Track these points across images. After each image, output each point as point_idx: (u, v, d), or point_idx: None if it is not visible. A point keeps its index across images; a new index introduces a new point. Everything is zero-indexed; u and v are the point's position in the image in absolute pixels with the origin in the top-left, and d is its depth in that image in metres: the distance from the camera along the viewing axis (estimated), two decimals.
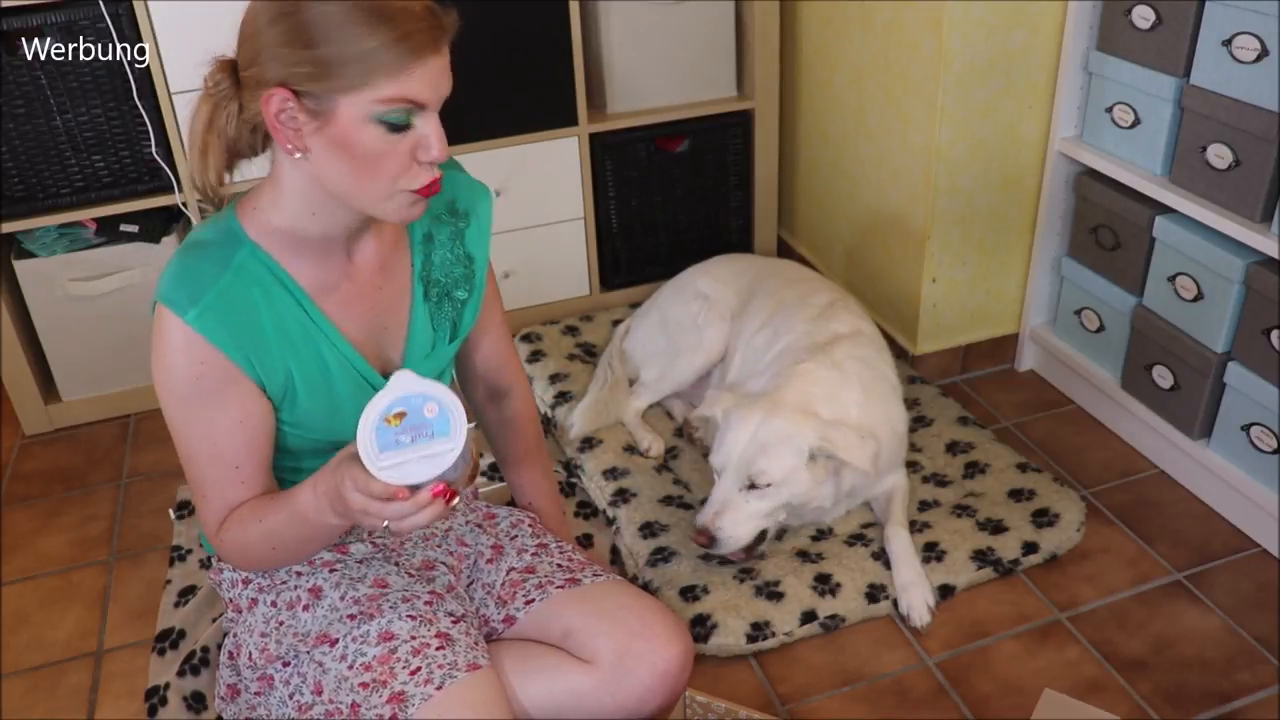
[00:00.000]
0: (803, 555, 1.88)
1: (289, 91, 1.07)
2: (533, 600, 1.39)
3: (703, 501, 2.01)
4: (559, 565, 1.44)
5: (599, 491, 2.07)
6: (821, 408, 1.80)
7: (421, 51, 1.06)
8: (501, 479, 2.10)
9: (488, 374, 1.55)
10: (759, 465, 1.74)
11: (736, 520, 1.76)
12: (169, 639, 1.77)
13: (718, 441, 1.81)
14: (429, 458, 1.03)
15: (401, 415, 1.03)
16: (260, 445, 1.22)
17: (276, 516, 1.18)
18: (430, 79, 1.08)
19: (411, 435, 1.03)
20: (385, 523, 1.06)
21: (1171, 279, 1.99)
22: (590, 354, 2.51)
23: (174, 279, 1.16)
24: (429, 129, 1.10)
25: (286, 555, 1.25)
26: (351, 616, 1.29)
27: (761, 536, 1.81)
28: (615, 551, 1.95)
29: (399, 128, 1.09)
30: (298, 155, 1.12)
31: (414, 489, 1.04)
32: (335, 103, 1.07)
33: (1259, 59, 1.72)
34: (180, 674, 1.68)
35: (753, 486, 1.75)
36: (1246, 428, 1.89)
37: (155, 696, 1.66)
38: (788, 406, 1.78)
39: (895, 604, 1.79)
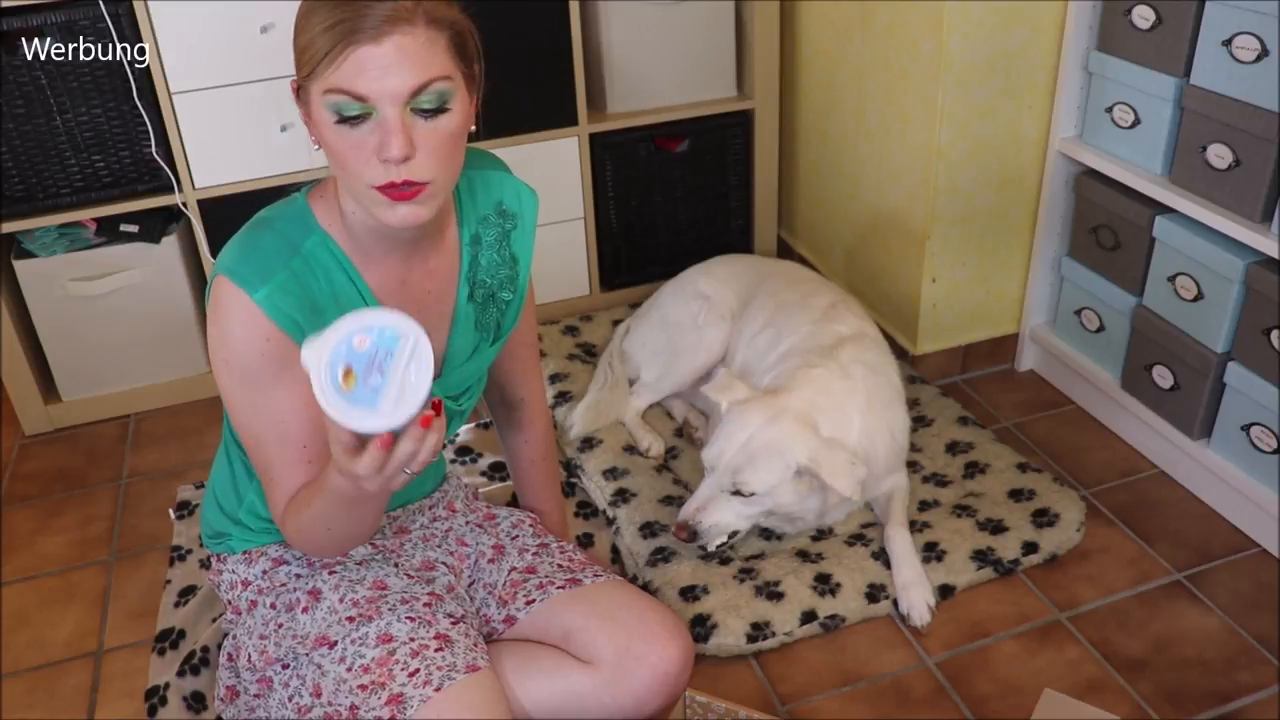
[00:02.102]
0: (803, 555, 1.88)
1: (295, 84, 1.12)
2: (533, 600, 1.39)
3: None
4: (560, 565, 1.44)
5: (599, 491, 2.07)
6: (824, 421, 1.79)
7: (352, 39, 1.03)
8: (502, 479, 2.11)
9: (504, 380, 1.54)
10: (744, 476, 1.75)
11: (717, 516, 1.78)
12: (169, 639, 1.77)
13: (713, 437, 1.82)
14: (412, 367, 0.95)
15: (348, 372, 0.95)
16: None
17: (320, 498, 1.14)
18: (368, 67, 1.04)
19: (377, 372, 0.95)
20: (406, 471, 1.02)
21: (1171, 279, 1.98)
22: (590, 354, 2.51)
23: (241, 253, 1.16)
24: (386, 126, 1.06)
25: (344, 532, 1.19)
26: (350, 619, 1.29)
27: (735, 533, 1.82)
28: (615, 551, 1.95)
29: (346, 119, 1.06)
30: (315, 147, 1.15)
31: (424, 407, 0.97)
32: (309, 92, 1.09)
33: (1259, 59, 1.72)
34: (180, 674, 1.68)
35: (737, 493, 1.76)
36: (1246, 428, 1.89)
37: (155, 696, 1.67)
38: (790, 415, 1.78)
39: (895, 604, 1.79)
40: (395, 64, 1.04)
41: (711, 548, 1.82)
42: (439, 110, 1.08)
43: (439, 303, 1.30)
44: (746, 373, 2.06)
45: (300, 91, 1.11)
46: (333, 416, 0.95)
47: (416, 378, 0.96)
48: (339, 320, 0.96)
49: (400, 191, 1.09)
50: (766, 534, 1.93)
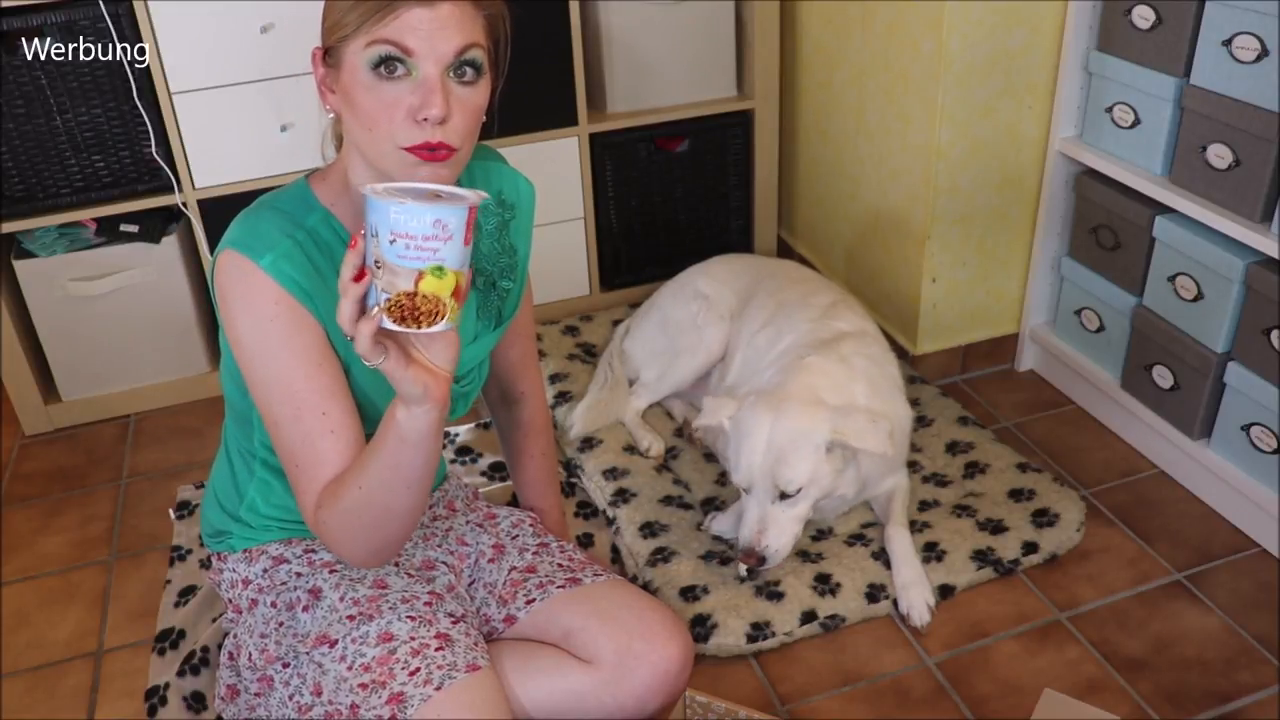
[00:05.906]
0: (803, 555, 1.87)
1: (321, 50, 1.15)
2: (533, 600, 1.39)
3: (705, 505, 2.01)
4: (560, 565, 1.44)
5: (599, 491, 2.07)
6: (828, 396, 1.78)
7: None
8: (502, 479, 2.11)
9: (504, 376, 1.54)
10: (784, 475, 1.71)
11: (779, 533, 1.72)
12: (169, 639, 1.77)
13: (734, 455, 1.78)
14: (457, 199, 0.99)
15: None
16: (342, 390, 1.19)
17: (365, 457, 1.12)
18: (418, 26, 1.08)
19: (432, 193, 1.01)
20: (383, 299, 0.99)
21: (1171, 279, 1.99)
22: (590, 354, 2.51)
23: (245, 229, 1.18)
24: (428, 85, 1.09)
25: (386, 499, 1.13)
26: (351, 617, 1.29)
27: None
28: (615, 551, 1.95)
29: (384, 62, 1.08)
30: (330, 114, 1.17)
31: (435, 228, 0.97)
32: (343, 52, 1.11)
33: (1259, 59, 1.72)
34: (180, 674, 1.68)
35: (783, 496, 1.73)
36: (1246, 428, 1.89)
37: (155, 696, 1.67)
38: (793, 401, 1.76)
39: (895, 604, 1.79)
40: (443, 26, 1.09)
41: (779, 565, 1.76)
42: (474, 76, 1.12)
43: None
44: (746, 373, 2.06)
45: (328, 55, 1.14)
46: (371, 197, 0.97)
47: (462, 193, 1.01)
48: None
49: (432, 153, 1.11)
50: None
